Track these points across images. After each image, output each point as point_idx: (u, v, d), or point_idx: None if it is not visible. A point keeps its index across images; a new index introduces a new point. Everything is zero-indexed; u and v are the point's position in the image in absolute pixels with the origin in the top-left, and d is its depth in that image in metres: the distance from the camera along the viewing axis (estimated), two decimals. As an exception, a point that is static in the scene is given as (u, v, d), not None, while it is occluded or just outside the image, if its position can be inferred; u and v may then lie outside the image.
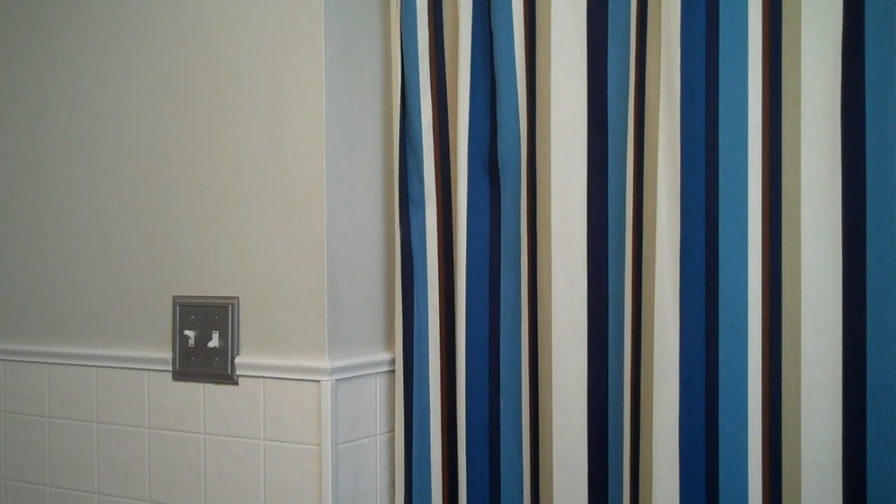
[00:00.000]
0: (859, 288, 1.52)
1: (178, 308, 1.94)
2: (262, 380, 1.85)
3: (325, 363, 1.78)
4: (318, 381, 1.78)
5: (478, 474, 1.84)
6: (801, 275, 1.56)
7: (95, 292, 2.06)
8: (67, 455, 2.09)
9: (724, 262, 1.60)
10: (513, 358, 1.83)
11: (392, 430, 1.93)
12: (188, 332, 1.91)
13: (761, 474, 1.59)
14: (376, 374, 1.90)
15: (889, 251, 1.50)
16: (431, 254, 1.89)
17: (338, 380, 1.79)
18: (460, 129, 1.83)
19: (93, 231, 2.06)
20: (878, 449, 1.52)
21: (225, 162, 1.90)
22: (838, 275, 1.54)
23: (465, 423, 1.83)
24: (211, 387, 1.91)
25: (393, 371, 1.93)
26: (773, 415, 1.58)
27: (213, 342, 1.89)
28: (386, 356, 1.92)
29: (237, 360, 1.88)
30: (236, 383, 1.88)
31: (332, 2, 1.82)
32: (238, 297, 1.88)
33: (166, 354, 1.96)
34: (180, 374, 1.94)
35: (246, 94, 1.87)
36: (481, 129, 1.83)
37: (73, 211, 2.09)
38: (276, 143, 1.84)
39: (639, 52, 1.67)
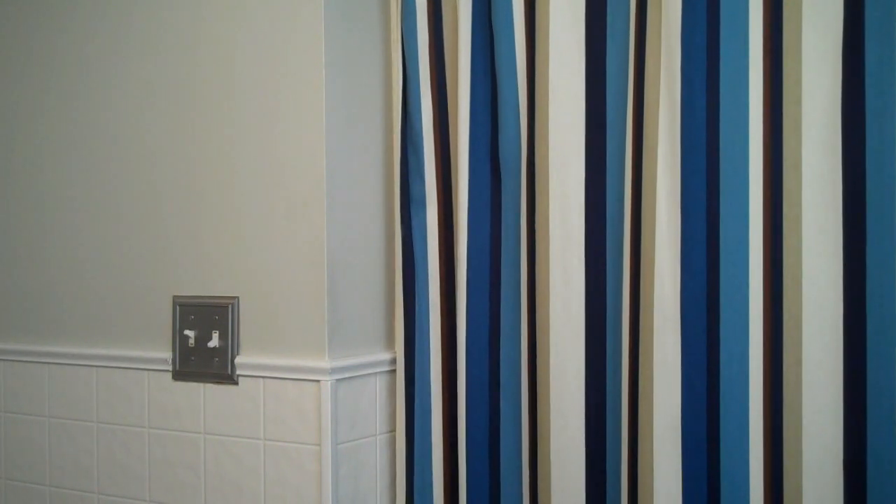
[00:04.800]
0: (860, 287, 1.52)
1: (178, 308, 1.94)
2: (262, 380, 1.85)
3: (325, 363, 1.78)
4: (318, 381, 1.78)
5: (478, 475, 1.84)
6: (802, 274, 1.56)
7: (95, 292, 2.06)
8: (67, 455, 2.09)
9: (725, 262, 1.59)
10: (513, 358, 1.83)
11: (392, 430, 1.93)
12: (188, 332, 1.91)
13: (762, 474, 1.58)
14: (376, 373, 1.90)
15: (889, 250, 1.50)
16: (433, 253, 1.90)
17: (338, 380, 1.79)
18: (461, 129, 1.83)
19: (93, 231, 2.06)
20: (879, 449, 1.52)
21: (225, 162, 1.90)
22: (839, 274, 1.54)
23: (466, 424, 1.83)
24: (211, 387, 1.91)
25: (393, 371, 1.92)
26: (774, 415, 1.58)
27: (213, 342, 1.89)
28: (386, 356, 1.92)
29: (237, 359, 1.88)
30: (236, 383, 1.88)
31: (333, 2, 1.82)
32: (238, 297, 1.88)
33: (166, 354, 1.96)
34: (180, 374, 1.94)
35: (246, 94, 1.87)
36: (483, 129, 1.83)
37: (73, 211, 2.08)
38: (276, 144, 1.84)
39: (638, 54, 1.67)
